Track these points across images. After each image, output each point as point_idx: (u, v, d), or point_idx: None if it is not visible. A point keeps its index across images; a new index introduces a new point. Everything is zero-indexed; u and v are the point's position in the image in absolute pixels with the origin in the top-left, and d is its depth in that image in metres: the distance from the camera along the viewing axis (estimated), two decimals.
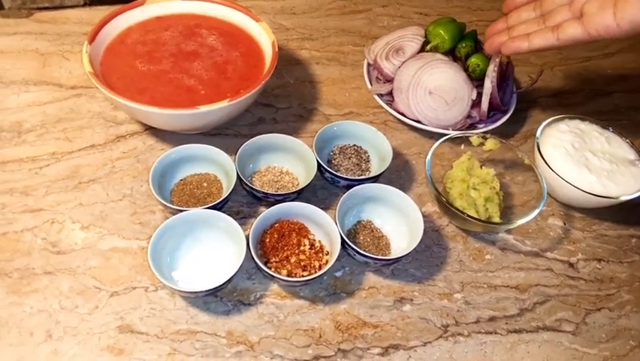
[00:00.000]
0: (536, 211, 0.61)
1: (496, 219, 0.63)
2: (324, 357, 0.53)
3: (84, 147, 0.68)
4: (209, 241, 0.58)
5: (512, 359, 0.55)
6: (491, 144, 0.68)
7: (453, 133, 0.71)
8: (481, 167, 0.68)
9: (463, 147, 0.69)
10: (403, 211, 0.62)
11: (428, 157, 0.65)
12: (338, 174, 0.64)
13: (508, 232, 0.67)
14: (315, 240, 0.60)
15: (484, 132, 0.71)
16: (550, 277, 0.63)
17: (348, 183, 0.64)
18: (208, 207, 0.58)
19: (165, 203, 0.58)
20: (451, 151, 0.69)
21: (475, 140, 0.69)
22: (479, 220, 0.61)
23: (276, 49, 0.69)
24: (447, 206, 0.61)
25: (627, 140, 0.71)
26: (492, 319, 0.58)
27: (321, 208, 0.59)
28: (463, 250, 0.64)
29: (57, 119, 0.71)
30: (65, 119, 0.71)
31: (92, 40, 0.67)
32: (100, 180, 0.65)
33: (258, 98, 0.74)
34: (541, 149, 0.69)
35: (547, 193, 0.62)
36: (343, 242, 0.57)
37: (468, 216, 0.60)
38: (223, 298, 0.56)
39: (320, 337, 0.55)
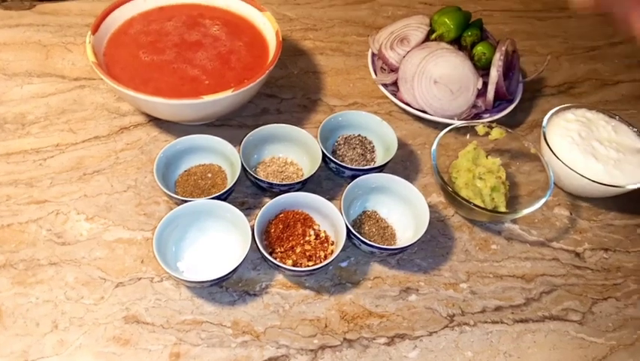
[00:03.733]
0: (542, 201, 0.60)
1: (502, 209, 0.63)
2: (330, 347, 0.53)
3: (88, 138, 0.68)
4: (215, 232, 0.58)
5: (518, 348, 0.55)
6: (497, 133, 0.68)
7: (458, 123, 0.71)
8: (486, 156, 0.67)
9: (468, 136, 0.69)
10: (408, 201, 0.62)
11: (434, 147, 0.64)
12: (343, 164, 0.64)
13: (514, 221, 0.66)
14: (320, 230, 0.60)
15: (489, 122, 0.70)
16: (556, 267, 0.63)
17: (353, 173, 0.64)
18: (213, 198, 0.58)
19: (170, 193, 0.58)
20: (457, 141, 0.69)
21: (480, 129, 0.68)
22: (485, 210, 0.60)
23: (280, 38, 0.69)
24: (453, 196, 0.61)
25: (634, 128, 0.71)
26: (498, 308, 0.58)
27: (326, 199, 0.59)
28: (469, 240, 0.64)
29: (61, 111, 0.71)
30: (69, 110, 0.71)
31: (95, 30, 0.66)
32: (104, 171, 0.65)
33: (261, 89, 0.73)
34: (547, 138, 0.68)
35: (554, 183, 0.62)
36: (349, 232, 0.57)
37: (474, 205, 0.60)
38: (228, 289, 0.56)
39: (326, 327, 0.55)
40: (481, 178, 0.64)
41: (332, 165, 0.65)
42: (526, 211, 0.60)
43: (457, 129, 0.68)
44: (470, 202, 0.60)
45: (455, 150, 0.68)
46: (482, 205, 0.62)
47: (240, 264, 0.53)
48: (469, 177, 0.64)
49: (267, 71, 0.64)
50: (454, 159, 0.68)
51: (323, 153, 0.64)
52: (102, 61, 0.66)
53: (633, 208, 0.70)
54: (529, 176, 0.67)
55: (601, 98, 0.86)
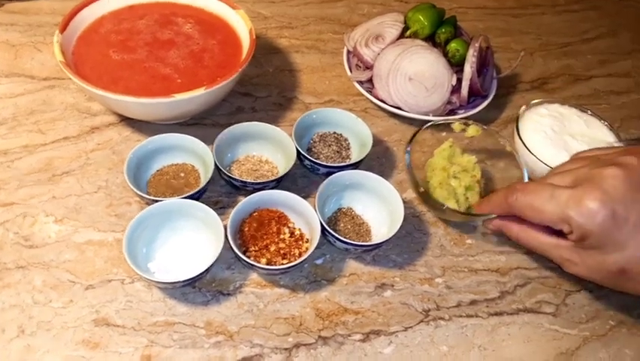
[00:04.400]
0: None
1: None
2: (305, 345, 0.53)
3: (57, 139, 0.67)
4: (187, 232, 0.57)
5: (493, 341, 0.55)
6: (473, 130, 0.67)
7: (434, 119, 0.71)
8: (462, 154, 0.67)
9: (444, 134, 0.69)
10: (383, 198, 0.62)
11: (408, 148, 0.63)
12: (317, 161, 0.63)
13: None
14: (294, 228, 0.59)
15: (464, 118, 0.70)
16: (530, 260, 0.63)
17: (328, 170, 0.64)
18: (185, 197, 0.57)
19: (141, 194, 0.57)
20: (433, 137, 0.68)
21: (456, 126, 0.68)
22: (457, 212, 0.60)
23: (254, 36, 0.68)
24: (425, 196, 0.61)
25: (606, 123, 0.71)
26: (473, 302, 0.58)
27: (302, 197, 0.58)
28: (444, 235, 0.64)
29: (29, 112, 0.69)
30: (38, 111, 0.69)
31: (63, 29, 0.65)
32: (74, 172, 0.64)
33: (236, 87, 0.72)
34: (520, 133, 0.68)
35: (529, 178, 0.62)
36: (323, 229, 0.56)
37: (446, 208, 0.59)
38: (202, 289, 0.56)
39: (300, 325, 0.54)
40: (455, 177, 0.63)
41: (307, 162, 0.65)
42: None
43: (433, 127, 0.67)
44: (443, 204, 0.59)
45: (431, 146, 0.68)
46: (456, 206, 0.61)
47: (213, 264, 0.52)
48: (443, 176, 0.63)
49: (240, 69, 0.63)
50: (430, 156, 0.67)
51: (298, 150, 0.63)
52: (70, 60, 0.64)
53: None
54: (504, 173, 0.67)
55: (574, 93, 0.87)
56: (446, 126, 0.68)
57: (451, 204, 0.61)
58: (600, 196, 0.45)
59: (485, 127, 0.68)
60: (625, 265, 0.46)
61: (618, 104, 0.87)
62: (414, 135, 0.64)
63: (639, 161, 0.47)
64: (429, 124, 0.66)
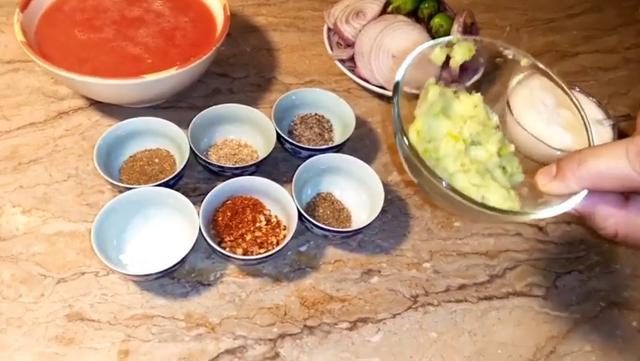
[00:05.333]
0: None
1: (521, 178, 0.41)
2: (290, 335, 0.51)
3: (23, 125, 0.63)
4: (160, 221, 0.54)
5: (483, 326, 0.54)
6: (464, 49, 0.43)
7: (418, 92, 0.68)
8: (457, 95, 0.43)
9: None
10: (363, 181, 0.59)
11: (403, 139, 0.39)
12: (299, 144, 0.61)
13: None
14: (271, 215, 0.57)
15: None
16: (519, 242, 0.61)
17: (309, 153, 0.61)
18: (159, 184, 0.54)
19: (112, 182, 0.54)
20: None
21: (437, 56, 0.42)
22: (512, 213, 0.36)
23: (228, 13, 0.65)
24: (449, 193, 0.35)
25: (594, 99, 0.70)
26: (462, 287, 0.57)
27: (284, 182, 0.56)
28: (431, 218, 0.62)
29: None
30: (1, 96, 0.65)
31: (24, 7, 0.61)
32: (41, 160, 0.60)
33: (211, 68, 0.69)
34: (511, 106, 0.66)
35: (519, 151, 0.55)
36: (301, 215, 0.54)
37: (495, 211, 0.35)
38: (180, 280, 0.53)
39: (285, 314, 0.52)
40: (476, 143, 0.39)
41: (288, 145, 0.62)
42: (556, 211, 0.36)
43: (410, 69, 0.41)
44: (494, 208, 0.35)
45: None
46: (503, 203, 0.37)
47: (188, 254, 0.50)
48: (458, 149, 0.39)
49: (214, 48, 0.60)
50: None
51: (278, 133, 0.60)
52: (33, 41, 0.60)
53: None
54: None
55: (560, 70, 0.85)
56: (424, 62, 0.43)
57: (493, 198, 0.37)
58: None
59: (480, 38, 0.45)
60: None
61: (605, 81, 0.85)
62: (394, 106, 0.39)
63: None
64: (402, 70, 0.40)
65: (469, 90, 0.47)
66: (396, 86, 0.39)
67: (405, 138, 0.37)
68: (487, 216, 0.36)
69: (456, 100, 0.43)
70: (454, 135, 0.40)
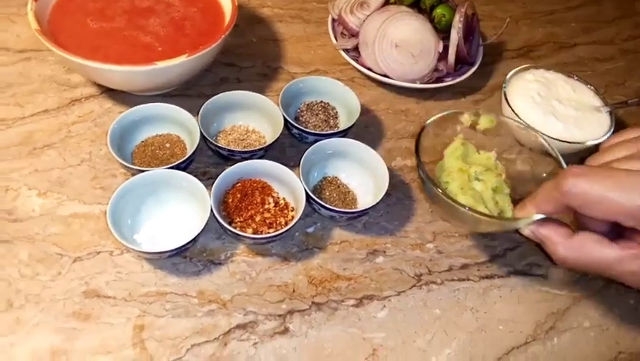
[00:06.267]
0: None
1: (509, 214, 0.52)
2: (299, 311, 0.53)
3: (37, 112, 0.65)
4: (173, 202, 0.56)
5: (485, 303, 0.56)
6: (487, 121, 0.57)
7: (419, 86, 0.70)
8: (478, 151, 0.57)
9: (458, 128, 0.58)
10: (368, 165, 0.61)
11: (419, 162, 0.53)
12: (305, 129, 0.63)
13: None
14: (279, 197, 0.59)
15: (451, 85, 0.69)
16: None
17: (316, 138, 0.63)
18: (171, 167, 0.56)
19: (126, 164, 0.55)
20: (441, 129, 0.58)
21: (465, 119, 0.57)
22: (494, 217, 0.50)
23: (236, 3, 0.66)
24: (447, 202, 0.50)
25: (592, 87, 0.72)
26: (464, 266, 0.58)
27: (290, 167, 0.58)
28: None
29: (6, 85, 0.67)
30: (15, 84, 0.67)
31: None
32: (55, 145, 0.62)
33: (219, 58, 0.71)
34: (508, 98, 0.68)
35: (518, 142, 0.58)
36: (308, 197, 0.56)
37: (481, 215, 0.49)
38: (192, 259, 0.55)
39: (293, 291, 0.54)
40: (478, 179, 0.54)
41: (295, 131, 0.64)
42: (537, 216, 0.47)
43: (438, 121, 0.56)
44: (481, 212, 0.49)
45: (437, 136, 0.57)
46: (487, 212, 0.51)
47: (200, 233, 0.51)
48: (463, 179, 0.53)
49: (223, 36, 0.62)
50: (440, 153, 0.57)
51: (285, 119, 0.62)
52: (47, 29, 0.62)
53: None
54: (533, 166, 0.57)
55: (559, 61, 0.87)
56: (454, 119, 0.58)
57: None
58: None
59: (501, 116, 0.59)
60: None
61: (602, 71, 0.87)
62: (418, 139, 0.54)
63: None
64: (431, 119, 0.56)
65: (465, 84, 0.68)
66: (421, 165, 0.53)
67: (433, 186, 0.52)
68: (476, 221, 0.50)
69: (475, 153, 0.57)
70: (463, 170, 0.54)
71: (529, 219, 0.47)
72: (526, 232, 0.47)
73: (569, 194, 0.41)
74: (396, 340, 0.52)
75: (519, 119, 0.65)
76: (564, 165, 0.53)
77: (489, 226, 0.52)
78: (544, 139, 0.56)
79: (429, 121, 0.56)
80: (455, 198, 0.51)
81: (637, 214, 0.38)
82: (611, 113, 0.69)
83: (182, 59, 0.58)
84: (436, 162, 0.57)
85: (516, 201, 0.52)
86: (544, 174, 0.55)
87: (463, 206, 0.49)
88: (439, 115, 0.56)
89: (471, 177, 0.54)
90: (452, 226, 0.61)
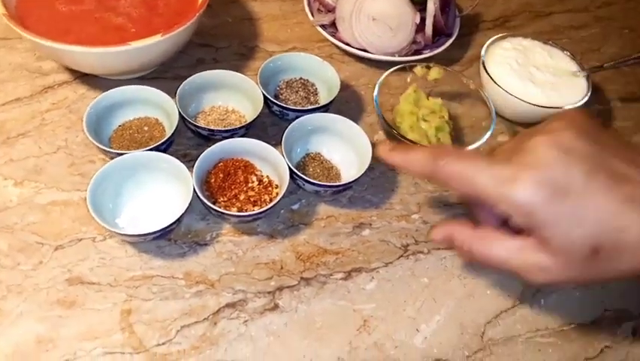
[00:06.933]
0: (487, 135, 0.60)
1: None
2: (288, 287, 0.52)
3: (8, 101, 0.63)
4: (154, 185, 0.55)
5: (472, 270, 0.56)
6: (435, 72, 0.67)
7: (400, 59, 0.70)
8: (427, 98, 0.67)
9: (409, 79, 0.68)
10: (350, 140, 0.61)
11: (375, 92, 0.63)
12: (287, 105, 0.62)
13: None
14: (262, 175, 0.58)
15: (428, 58, 0.70)
16: None
17: (297, 115, 0.62)
18: (151, 149, 0.55)
19: (104, 148, 0.54)
20: (399, 79, 0.67)
21: (418, 70, 0.67)
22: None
23: None
24: (399, 140, 0.60)
25: (568, 52, 0.72)
26: None
27: (273, 144, 0.57)
28: None
29: None
30: None
31: None
32: (30, 133, 0.60)
33: (194, 39, 0.69)
34: (487, 67, 0.68)
35: (496, 113, 0.62)
36: (292, 174, 0.55)
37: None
38: (177, 241, 0.54)
39: (282, 268, 0.54)
40: (425, 120, 0.63)
41: (275, 108, 0.63)
42: (472, 147, 0.60)
43: (398, 70, 0.66)
44: (417, 144, 0.59)
45: (398, 88, 0.67)
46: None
47: (184, 214, 0.51)
48: (412, 120, 0.63)
49: (198, 14, 0.61)
50: (398, 96, 0.67)
51: (265, 96, 0.61)
52: (14, 13, 0.60)
53: None
54: (471, 111, 0.67)
55: (535, 30, 0.87)
56: (408, 70, 0.67)
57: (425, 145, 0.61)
58: (533, 171, 0.37)
59: (447, 68, 0.67)
60: (594, 242, 0.37)
61: (578, 39, 0.88)
62: (379, 80, 0.64)
63: (566, 124, 0.40)
64: (391, 70, 0.66)
65: (443, 56, 0.76)
66: (376, 97, 0.64)
67: (387, 125, 0.62)
68: None
69: (424, 99, 0.66)
70: (413, 112, 0.64)
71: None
72: (434, 236, 0.46)
73: (441, 170, 0.42)
74: (387, 310, 0.52)
75: (497, 85, 0.66)
76: (493, 112, 0.62)
77: None
78: (480, 89, 0.66)
79: (390, 70, 0.66)
80: (405, 135, 0.61)
81: (497, 197, 0.39)
82: (587, 77, 0.69)
83: (157, 38, 0.57)
84: (395, 103, 0.67)
85: (456, 138, 0.65)
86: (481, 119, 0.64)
87: (411, 141, 0.59)
88: (397, 67, 0.67)
89: (419, 118, 0.63)
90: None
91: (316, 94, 0.68)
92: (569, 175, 0.37)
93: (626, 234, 0.36)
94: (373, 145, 0.59)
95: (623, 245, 0.36)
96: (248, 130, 0.61)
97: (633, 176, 0.37)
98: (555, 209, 0.37)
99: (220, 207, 0.53)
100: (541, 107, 0.64)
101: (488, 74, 0.67)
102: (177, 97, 0.59)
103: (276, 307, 0.51)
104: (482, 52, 0.70)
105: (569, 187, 0.37)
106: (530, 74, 0.68)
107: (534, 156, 0.38)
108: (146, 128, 0.60)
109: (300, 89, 0.67)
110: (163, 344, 0.48)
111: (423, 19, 0.74)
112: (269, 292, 0.52)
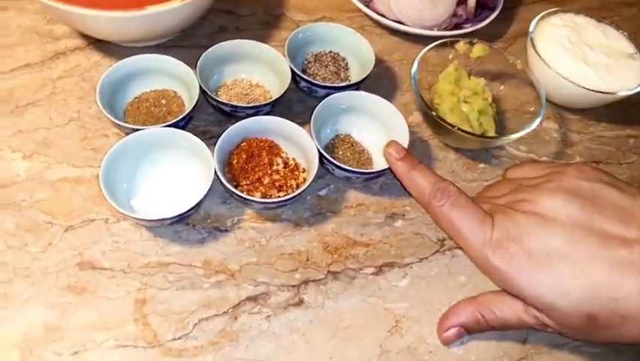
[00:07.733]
0: (537, 120, 0.55)
1: (492, 133, 0.57)
2: (314, 281, 0.48)
3: (17, 67, 0.59)
4: (172, 165, 0.51)
5: None
6: (480, 49, 0.61)
7: (439, 34, 0.64)
8: (469, 77, 0.61)
9: (450, 56, 0.62)
10: (385, 121, 0.56)
11: (414, 69, 0.57)
12: (316, 82, 0.57)
13: None
14: (288, 158, 0.53)
15: (470, 34, 0.64)
16: None
17: (327, 92, 0.57)
18: (168, 125, 0.50)
19: (119, 123, 0.50)
20: (438, 56, 0.61)
21: (461, 47, 0.61)
22: (475, 135, 0.54)
23: None
24: (438, 122, 0.54)
25: (624, 32, 0.66)
26: None
27: (299, 123, 0.52)
28: (456, 159, 0.59)
29: None
30: None
31: None
32: (40, 102, 0.56)
33: (216, 5, 0.64)
34: (535, 45, 0.62)
35: (545, 98, 0.56)
36: (321, 157, 0.51)
37: (463, 132, 0.53)
38: (196, 226, 0.50)
39: (307, 260, 0.50)
40: (466, 102, 0.57)
41: (303, 84, 0.58)
42: (520, 134, 0.54)
43: (437, 46, 0.60)
44: (460, 129, 0.53)
45: (437, 65, 0.62)
46: (471, 131, 0.55)
47: (203, 198, 0.47)
48: (453, 101, 0.57)
49: None
50: (437, 74, 0.61)
51: (292, 71, 0.56)
52: None
53: (624, 118, 0.66)
54: (516, 93, 0.61)
55: (583, 6, 0.80)
56: (451, 46, 0.61)
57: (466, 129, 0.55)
58: (512, 243, 0.39)
59: (492, 45, 0.61)
60: (588, 310, 0.36)
61: (629, 16, 0.81)
62: (418, 56, 0.58)
63: (557, 185, 0.41)
64: (431, 45, 0.59)
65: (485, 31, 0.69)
66: (415, 74, 0.58)
67: (425, 107, 0.56)
68: (463, 139, 0.56)
69: (466, 79, 0.60)
70: (454, 93, 0.58)
71: (508, 138, 0.54)
72: (446, 336, 0.44)
73: (436, 210, 0.43)
74: (420, 310, 0.48)
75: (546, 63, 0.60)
76: (543, 95, 0.57)
77: (472, 143, 0.57)
78: (527, 69, 0.60)
79: (430, 46, 0.59)
80: (444, 118, 0.55)
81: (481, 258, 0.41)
82: None
83: (177, 3, 0.52)
84: (434, 79, 0.61)
85: (499, 122, 0.59)
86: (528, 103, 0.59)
87: (452, 125, 0.53)
88: (437, 42, 0.60)
89: (460, 99, 0.58)
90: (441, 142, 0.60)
91: (347, 69, 0.63)
92: (549, 244, 0.37)
93: (623, 303, 0.35)
94: (410, 128, 0.54)
95: (622, 314, 0.36)
96: (273, 107, 0.56)
97: (632, 236, 0.36)
98: (532, 278, 0.37)
99: (242, 192, 0.49)
100: (598, 92, 0.58)
101: (537, 52, 0.61)
102: (198, 68, 0.54)
103: (300, 302, 0.47)
104: (531, 28, 0.64)
105: (550, 256, 0.37)
106: (583, 53, 0.62)
107: (518, 223, 0.39)
108: (163, 102, 0.56)
109: (330, 64, 0.62)
110: (179, 338, 0.44)
111: None
112: (293, 286, 0.48)
